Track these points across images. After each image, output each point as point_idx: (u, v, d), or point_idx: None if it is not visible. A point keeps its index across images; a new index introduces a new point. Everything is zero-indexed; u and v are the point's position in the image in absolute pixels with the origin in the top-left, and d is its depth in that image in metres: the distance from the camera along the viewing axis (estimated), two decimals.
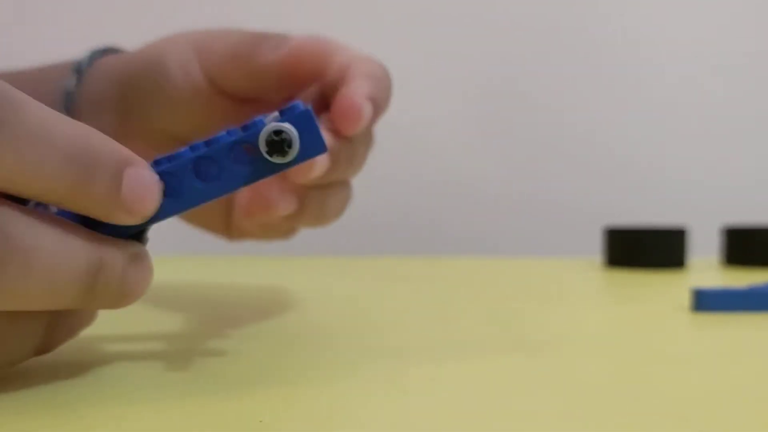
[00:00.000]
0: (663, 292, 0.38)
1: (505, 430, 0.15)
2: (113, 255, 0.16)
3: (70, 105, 0.29)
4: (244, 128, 0.18)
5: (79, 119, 0.28)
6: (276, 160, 0.17)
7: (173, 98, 0.27)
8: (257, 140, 0.17)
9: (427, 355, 0.22)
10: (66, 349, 0.20)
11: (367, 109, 0.25)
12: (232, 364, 0.20)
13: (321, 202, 0.27)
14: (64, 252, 0.15)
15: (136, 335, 0.25)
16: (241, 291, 0.40)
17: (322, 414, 0.16)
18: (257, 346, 0.23)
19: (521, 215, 0.84)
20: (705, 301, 0.30)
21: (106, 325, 0.26)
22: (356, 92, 0.25)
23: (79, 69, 0.30)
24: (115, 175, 0.16)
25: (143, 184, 0.16)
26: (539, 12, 0.86)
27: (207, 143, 0.17)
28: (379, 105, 0.26)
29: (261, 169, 0.17)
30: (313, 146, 0.18)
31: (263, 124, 0.17)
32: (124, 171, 0.16)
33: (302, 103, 0.18)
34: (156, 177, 0.17)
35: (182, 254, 0.59)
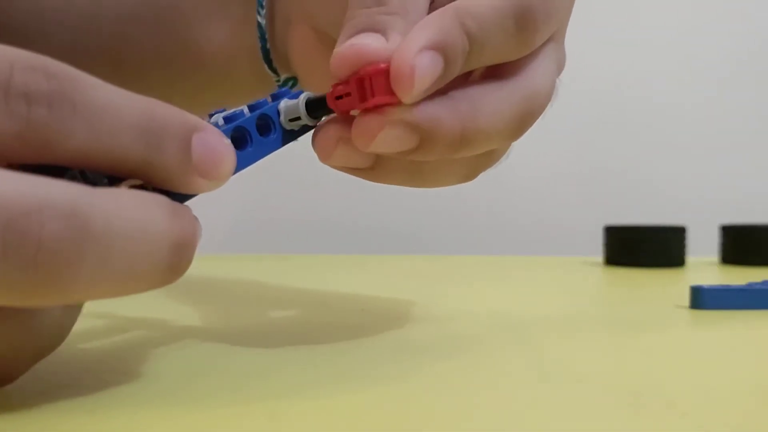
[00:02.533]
0: (662, 290, 0.39)
1: (505, 426, 0.15)
2: (192, 226, 0.15)
3: None
4: (252, 107, 0.19)
5: (273, 2, 0.27)
6: (291, 126, 0.20)
7: None
8: (276, 114, 0.19)
9: (428, 351, 0.22)
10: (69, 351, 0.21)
11: (420, 62, 0.18)
12: (236, 362, 0.21)
13: (413, 165, 0.21)
14: (146, 234, 0.14)
15: (136, 333, 0.25)
16: (244, 289, 0.40)
17: (325, 413, 0.16)
18: (260, 344, 0.23)
19: (525, 216, 0.84)
20: (703, 298, 0.30)
21: (109, 323, 0.27)
22: (407, 41, 0.18)
23: None
24: (184, 142, 0.15)
25: (213, 148, 0.16)
26: None
27: (227, 120, 0.19)
28: (454, 49, 0.18)
29: (283, 138, 0.20)
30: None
31: (274, 105, 0.20)
32: (192, 137, 0.16)
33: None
34: (226, 140, 0.16)
35: None
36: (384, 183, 0.22)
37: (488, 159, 0.23)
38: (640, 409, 0.16)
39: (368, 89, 0.18)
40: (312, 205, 0.82)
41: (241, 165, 0.18)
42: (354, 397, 0.17)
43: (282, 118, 0.20)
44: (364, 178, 0.22)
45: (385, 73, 0.18)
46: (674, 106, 0.87)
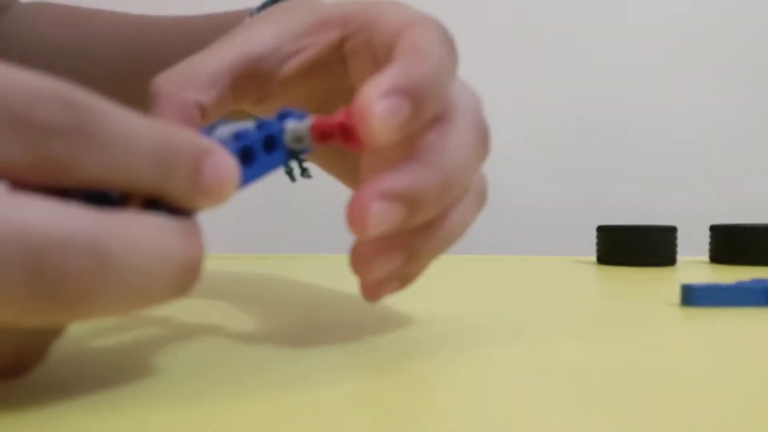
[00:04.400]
0: (653, 288, 0.39)
1: (499, 423, 0.15)
2: (200, 246, 0.16)
3: None
4: (260, 126, 0.20)
5: None
6: (295, 147, 0.21)
7: (322, 55, 0.27)
8: (282, 133, 0.20)
9: (424, 350, 0.23)
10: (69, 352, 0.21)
11: (379, 105, 0.19)
12: (236, 361, 0.21)
13: (431, 237, 0.23)
14: (160, 260, 0.15)
15: (137, 333, 0.25)
16: (246, 289, 0.40)
17: (325, 412, 0.16)
18: (261, 343, 0.24)
19: (518, 217, 0.85)
20: (693, 296, 0.31)
21: (112, 320, 0.27)
22: (368, 87, 0.19)
23: (251, 13, 0.31)
24: (195, 167, 0.16)
25: (221, 171, 0.16)
26: (530, 11, 0.86)
27: (236, 137, 0.19)
28: (420, 97, 0.20)
29: (286, 157, 0.21)
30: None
31: (280, 125, 0.20)
32: (203, 160, 0.16)
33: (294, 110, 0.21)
34: (232, 161, 0.17)
35: None
36: (419, 272, 0.24)
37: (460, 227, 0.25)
38: (631, 405, 0.16)
39: (352, 134, 0.20)
40: (313, 205, 0.82)
41: (246, 181, 0.19)
42: (353, 396, 0.17)
43: (287, 137, 0.20)
44: (401, 284, 0.24)
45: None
46: (666, 109, 0.88)
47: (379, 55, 0.25)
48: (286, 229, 0.82)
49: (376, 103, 0.19)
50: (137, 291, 0.14)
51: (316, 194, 0.81)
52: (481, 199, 0.27)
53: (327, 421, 0.15)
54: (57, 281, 0.13)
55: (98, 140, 0.14)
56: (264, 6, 0.31)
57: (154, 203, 0.16)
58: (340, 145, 0.21)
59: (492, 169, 0.84)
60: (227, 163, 0.17)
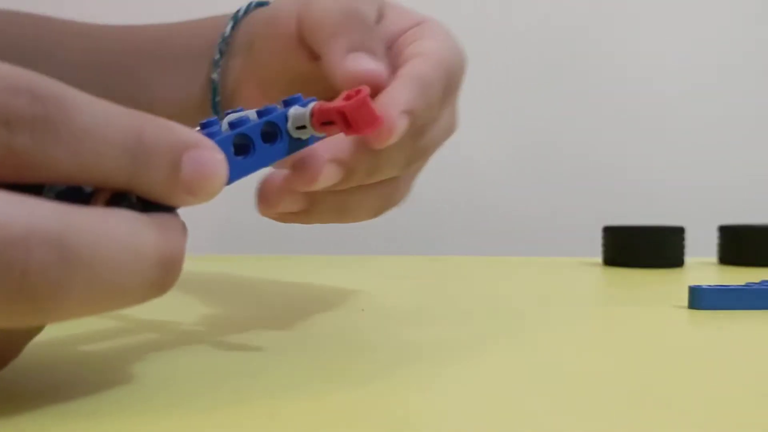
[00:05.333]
0: (661, 290, 0.39)
1: (505, 426, 0.15)
2: (179, 240, 0.16)
3: (224, 48, 0.31)
4: (261, 113, 0.19)
5: (227, 61, 0.30)
6: (299, 135, 0.20)
7: (274, 50, 0.29)
8: (284, 121, 0.19)
9: (427, 351, 0.22)
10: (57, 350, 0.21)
11: (399, 125, 0.22)
12: (235, 361, 0.21)
13: (340, 203, 0.25)
14: (133, 254, 0.14)
15: (135, 333, 0.25)
16: (245, 289, 0.40)
17: (324, 412, 0.16)
18: (260, 344, 0.24)
19: (524, 218, 0.85)
20: (702, 298, 0.30)
21: (109, 323, 0.27)
22: (391, 103, 0.22)
23: (236, 17, 0.31)
24: (173, 161, 0.15)
25: (203, 165, 0.16)
26: (541, 22, 0.86)
27: (233, 125, 0.19)
28: (419, 116, 0.23)
29: (289, 146, 0.20)
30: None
31: (283, 112, 0.20)
32: (183, 155, 0.16)
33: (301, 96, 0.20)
34: (220, 156, 0.16)
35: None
36: (316, 223, 0.26)
37: (393, 197, 0.28)
38: (638, 408, 0.16)
39: (351, 120, 0.19)
40: None
41: (243, 172, 0.18)
42: (353, 397, 0.17)
43: (290, 125, 0.19)
44: (300, 222, 0.25)
45: (364, 106, 0.19)
46: (674, 108, 0.87)
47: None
48: (283, 229, 0.82)
49: (397, 122, 0.22)
50: (110, 287, 0.14)
51: None
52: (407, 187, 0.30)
53: (324, 424, 0.14)
54: (21, 277, 0.13)
55: (65, 134, 0.14)
56: (248, 7, 0.31)
57: (128, 199, 0.15)
58: (341, 131, 0.20)
59: (496, 168, 0.84)
60: (211, 159, 0.16)
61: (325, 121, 0.19)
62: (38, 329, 0.17)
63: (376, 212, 0.27)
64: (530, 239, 0.84)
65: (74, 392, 0.17)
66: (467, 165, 0.85)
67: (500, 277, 0.47)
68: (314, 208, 0.25)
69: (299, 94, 0.20)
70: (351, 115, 0.19)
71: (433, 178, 0.86)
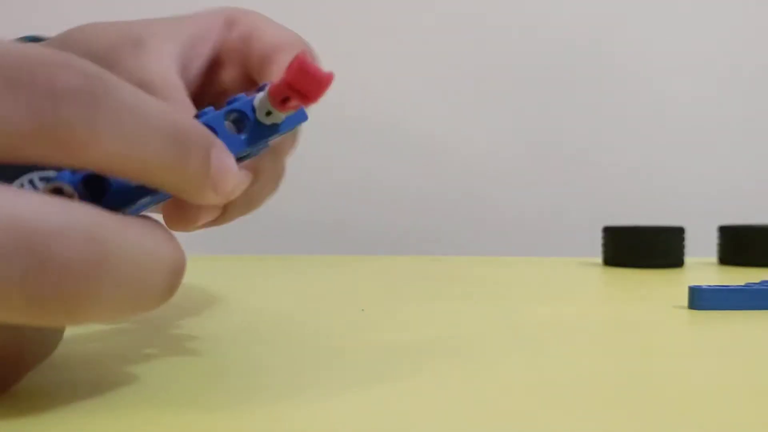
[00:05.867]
0: (661, 290, 0.39)
1: (505, 426, 0.15)
2: (183, 250, 0.16)
3: None
4: (230, 102, 0.19)
5: None
6: (268, 120, 0.19)
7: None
8: (251, 108, 0.19)
9: (426, 352, 0.22)
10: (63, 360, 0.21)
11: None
12: (234, 361, 0.21)
13: (247, 196, 0.26)
14: (153, 260, 0.14)
15: (129, 338, 0.25)
16: (244, 289, 0.40)
17: (323, 412, 0.16)
18: (260, 343, 0.24)
19: (524, 218, 0.85)
20: (702, 299, 0.30)
21: (113, 334, 0.27)
22: None
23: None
24: (206, 155, 0.16)
25: (226, 164, 0.16)
26: (542, 22, 0.86)
27: (197, 116, 0.18)
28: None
29: (257, 135, 0.19)
30: (297, 116, 0.20)
31: (250, 98, 0.19)
32: (211, 151, 0.16)
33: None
34: (234, 159, 0.17)
35: None
36: (231, 221, 0.27)
37: (282, 172, 0.29)
38: (638, 408, 0.16)
39: (300, 88, 0.18)
40: (312, 206, 0.82)
41: (238, 148, 0.18)
42: (352, 397, 0.17)
43: (258, 113, 0.19)
44: (216, 224, 0.26)
45: (304, 68, 0.18)
46: (673, 108, 0.87)
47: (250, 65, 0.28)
48: (282, 230, 0.82)
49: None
50: (133, 291, 0.14)
51: (313, 195, 0.81)
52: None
53: (323, 425, 0.14)
54: (58, 275, 0.12)
55: (110, 110, 0.13)
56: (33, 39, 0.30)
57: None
58: (301, 103, 0.19)
59: (496, 168, 0.84)
60: (230, 158, 0.16)
61: (283, 98, 0.18)
62: (45, 354, 0.16)
63: (272, 192, 0.29)
64: (530, 239, 0.84)
65: (67, 391, 0.17)
66: (467, 165, 0.85)
67: (500, 277, 0.47)
68: (227, 210, 0.25)
69: (266, 82, 0.20)
70: (298, 83, 0.18)
71: (433, 179, 0.86)
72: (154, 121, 0.14)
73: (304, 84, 0.18)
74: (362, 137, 0.83)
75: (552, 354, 0.22)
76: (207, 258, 0.59)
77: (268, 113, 0.19)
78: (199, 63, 0.28)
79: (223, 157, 0.16)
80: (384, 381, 0.18)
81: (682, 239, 0.54)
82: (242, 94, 0.19)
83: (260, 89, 0.19)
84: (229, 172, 0.16)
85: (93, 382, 0.18)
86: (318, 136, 0.83)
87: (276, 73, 0.25)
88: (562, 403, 0.16)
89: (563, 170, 0.86)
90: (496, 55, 0.86)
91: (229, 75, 0.29)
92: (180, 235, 0.27)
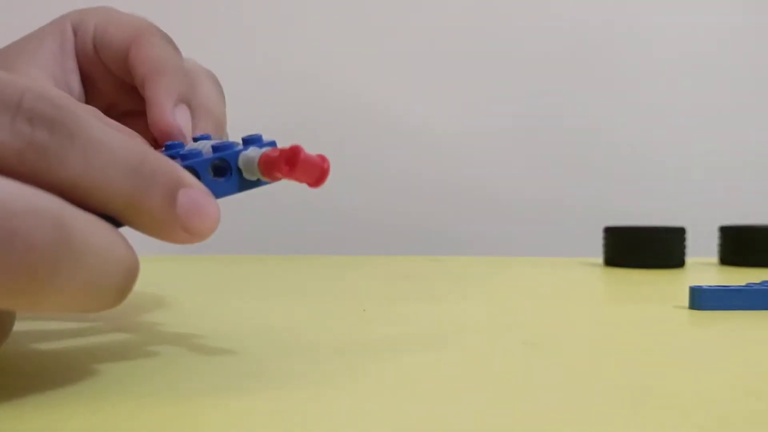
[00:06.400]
0: (662, 291, 0.39)
1: (503, 425, 0.15)
2: (136, 255, 0.16)
3: None
4: (216, 149, 0.20)
5: None
6: (253, 177, 0.20)
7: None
8: (235, 159, 0.20)
9: (429, 351, 0.22)
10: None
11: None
12: (232, 361, 0.21)
13: None
14: (111, 255, 0.15)
15: (122, 334, 0.25)
16: (244, 289, 0.41)
17: (320, 413, 0.16)
18: (259, 343, 0.24)
19: (525, 218, 0.85)
20: (703, 299, 0.31)
21: (110, 325, 0.27)
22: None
23: None
24: (171, 191, 0.16)
25: (198, 204, 0.17)
26: (549, 21, 0.86)
27: (184, 157, 0.19)
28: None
29: (236, 184, 0.20)
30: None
31: (236, 150, 0.20)
32: (179, 191, 0.16)
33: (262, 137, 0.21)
34: (212, 198, 0.17)
35: (170, 255, 0.60)
36: None
37: None
38: (639, 409, 0.16)
39: (296, 173, 0.19)
40: (313, 206, 0.82)
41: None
42: (351, 397, 0.17)
43: (244, 171, 0.20)
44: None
45: (307, 161, 0.19)
46: (675, 108, 0.87)
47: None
48: (283, 230, 0.82)
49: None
50: (92, 281, 0.15)
51: (313, 195, 0.81)
52: None
53: (322, 425, 0.15)
54: (24, 250, 0.13)
55: (79, 140, 0.15)
56: None
57: None
58: (288, 177, 0.20)
59: (497, 168, 0.84)
60: (205, 198, 0.17)
61: (270, 166, 0.19)
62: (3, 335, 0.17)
63: None
64: (532, 239, 0.84)
65: (37, 385, 0.17)
66: (467, 165, 0.85)
67: (501, 277, 0.47)
68: None
69: (260, 135, 0.20)
70: (299, 175, 0.19)
71: (433, 179, 0.86)
72: (119, 154, 0.16)
73: (305, 175, 0.19)
74: (363, 137, 0.83)
75: (552, 354, 0.22)
76: (209, 258, 0.59)
77: (249, 170, 0.20)
78: (75, 80, 0.28)
79: (196, 197, 0.17)
80: (382, 381, 0.18)
81: (683, 239, 0.54)
82: (230, 142, 0.20)
83: (247, 142, 0.20)
84: (203, 212, 0.17)
85: (87, 377, 0.18)
86: (318, 137, 0.83)
87: (161, 93, 0.26)
88: (562, 402, 0.16)
89: (564, 171, 0.86)
90: (497, 56, 0.86)
91: (104, 85, 0.29)
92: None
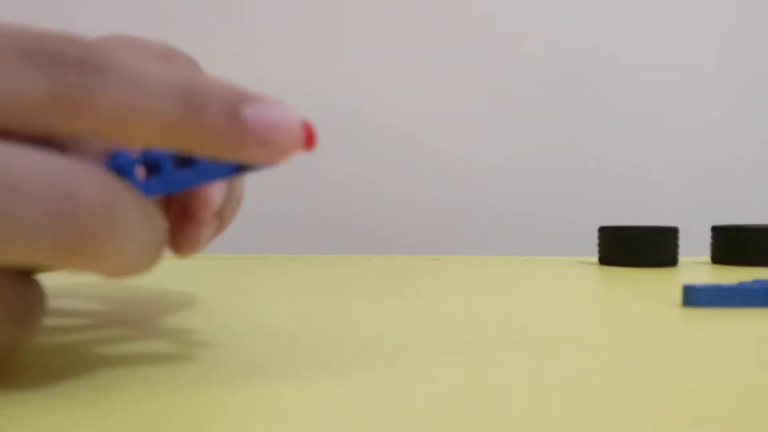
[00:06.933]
0: (655, 289, 0.39)
1: (502, 425, 0.15)
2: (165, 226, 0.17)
3: None
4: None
5: None
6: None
7: None
8: None
9: (427, 350, 0.23)
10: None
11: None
12: (231, 361, 0.21)
13: (234, 202, 0.28)
14: (154, 222, 0.16)
15: (120, 333, 0.26)
16: (244, 289, 0.40)
17: (318, 412, 0.16)
18: (258, 343, 0.24)
19: (521, 218, 0.85)
20: (695, 297, 0.31)
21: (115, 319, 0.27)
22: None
23: None
24: (231, 106, 0.15)
25: (270, 115, 0.15)
26: (548, 24, 0.87)
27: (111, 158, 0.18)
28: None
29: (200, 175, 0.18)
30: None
31: None
32: (245, 105, 0.15)
33: None
34: (293, 114, 0.15)
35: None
36: (225, 228, 0.28)
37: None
38: (633, 405, 0.16)
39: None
40: (313, 206, 0.82)
41: (148, 191, 0.17)
42: (348, 397, 0.17)
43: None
44: (217, 236, 0.27)
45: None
46: (668, 110, 0.88)
47: None
48: (284, 230, 0.82)
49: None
50: (138, 242, 0.15)
51: (313, 196, 0.82)
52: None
53: (323, 421, 0.15)
54: (86, 207, 0.13)
55: (113, 74, 0.14)
56: None
57: None
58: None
59: (493, 169, 0.85)
60: (279, 109, 0.15)
61: None
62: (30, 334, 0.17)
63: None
64: (527, 239, 0.84)
65: (38, 378, 0.17)
66: (466, 166, 0.85)
67: (497, 276, 0.48)
68: (223, 218, 0.27)
69: None
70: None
71: (432, 179, 0.86)
72: (162, 79, 0.15)
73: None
74: (363, 137, 0.83)
75: (547, 351, 0.22)
76: (209, 258, 0.59)
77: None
78: None
79: (267, 109, 0.15)
80: (380, 380, 0.19)
81: (676, 239, 0.54)
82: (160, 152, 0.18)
83: None
84: (280, 122, 0.15)
85: (87, 374, 0.18)
86: (320, 137, 0.83)
87: None
88: (557, 400, 0.17)
89: (560, 172, 0.86)
90: (496, 58, 0.86)
91: None
92: None
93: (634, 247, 0.53)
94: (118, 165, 0.17)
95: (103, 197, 0.14)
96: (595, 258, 0.56)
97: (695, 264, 0.55)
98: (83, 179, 0.14)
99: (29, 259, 0.14)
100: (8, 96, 0.13)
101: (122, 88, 0.14)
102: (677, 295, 0.32)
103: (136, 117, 0.14)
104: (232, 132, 0.15)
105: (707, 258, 0.57)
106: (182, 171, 0.17)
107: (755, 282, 0.32)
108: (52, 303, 0.31)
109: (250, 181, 0.77)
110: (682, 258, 0.55)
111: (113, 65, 0.14)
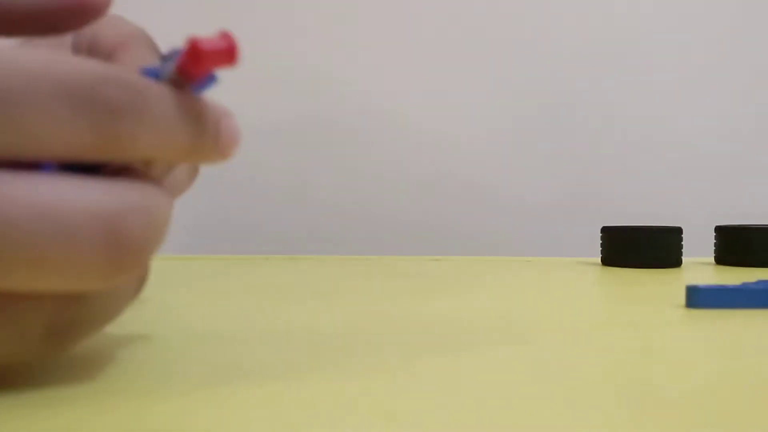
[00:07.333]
0: (658, 290, 0.39)
1: (502, 426, 0.15)
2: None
3: None
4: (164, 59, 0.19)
5: None
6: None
7: None
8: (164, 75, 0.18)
9: (425, 351, 0.23)
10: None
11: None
12: (230, 361, 0.21)
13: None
14: (167, 213, 0.17)
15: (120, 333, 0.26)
16: (244, 289, 0.41)
17: (317, 412, 0.16)
18: (258, 343, 0.24)
19: (523, 218, 0.85)
20: (699, 298, 0.31)
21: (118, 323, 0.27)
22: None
23: None
24: (216, 127, 0.18)
25: (235, 131, 0.18)
26: (547, 22, 0.87)
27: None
28: None
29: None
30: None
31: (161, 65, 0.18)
32: (222, 122, 0.18)
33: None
34: (236, 122, 0.19)
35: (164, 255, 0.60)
36: None
37: None
38: (636, 407, 0.16)
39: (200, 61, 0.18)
40: (313, 206, 0.82)
41: None
42: (351, 397, 0.17)
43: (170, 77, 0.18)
44: None
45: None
46: (671, 109, 0.88)
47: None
48: (284, 230, 0.82)
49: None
50: (155, 246, 0.17)
51: (314, 195, 0.82)
52: None
53: (324, 421, 0.15)
54: (136, 247, 0.15)
55: (149, 119, 0.16)
56: None
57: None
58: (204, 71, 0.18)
59: (494, 168, 0.85)
60: (237, 124, 0.18)
61: (187, 72, 0.18)
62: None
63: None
64: (530, 240, 0.84)
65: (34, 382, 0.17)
66: (466, 165, 0.85)
67: (499, 277, 0.47)
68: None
69: (178, 48, 0.19)
70: (206, 63, 0.17)
71: (432, 179, 0.86)
72: (182, 119, 0.17)
73: (218, 61, 0.18)
74: (363, 138, 0.83)
75: (550, 352, 0.22)
76: (210, 258, 0.59)
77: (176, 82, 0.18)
78: None
79: (233, 125, 0.18)
80: (381, 380, 0.19)
81: (680, 239, 0.54)
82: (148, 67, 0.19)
83: (165, 59, 0.18)
84: (236, 137, 0.18)
85: (86, 375, 0.18)
86: (317, 136, 0.83)
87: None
88: (559, 401, 0.17)
89: (563, 171, 0.86)
90: (496, 57, 0.86)
91: None
92: (180, 235, 0.27)
93: (638, 247, 0.53)
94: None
95: (143, 220, 0.16)
96: (598, 259, 0.56)
97: (699, 265, 0.55)
98: (128, 214, 0.16)
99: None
100: (51, 140, 0.15)
101: (152, 131, 0.16)
102: (681, 296, 0.32)
103: (157, 152, 0.16)
104: (214, 148, 0.18)
105: (711, 259, 0.57)
106: None
107: (759, 283, 0.32)
108: None
109: (250, 182, 0.77)
110: (686, 259, 0.55)
111: (149, 112, 0.16)
